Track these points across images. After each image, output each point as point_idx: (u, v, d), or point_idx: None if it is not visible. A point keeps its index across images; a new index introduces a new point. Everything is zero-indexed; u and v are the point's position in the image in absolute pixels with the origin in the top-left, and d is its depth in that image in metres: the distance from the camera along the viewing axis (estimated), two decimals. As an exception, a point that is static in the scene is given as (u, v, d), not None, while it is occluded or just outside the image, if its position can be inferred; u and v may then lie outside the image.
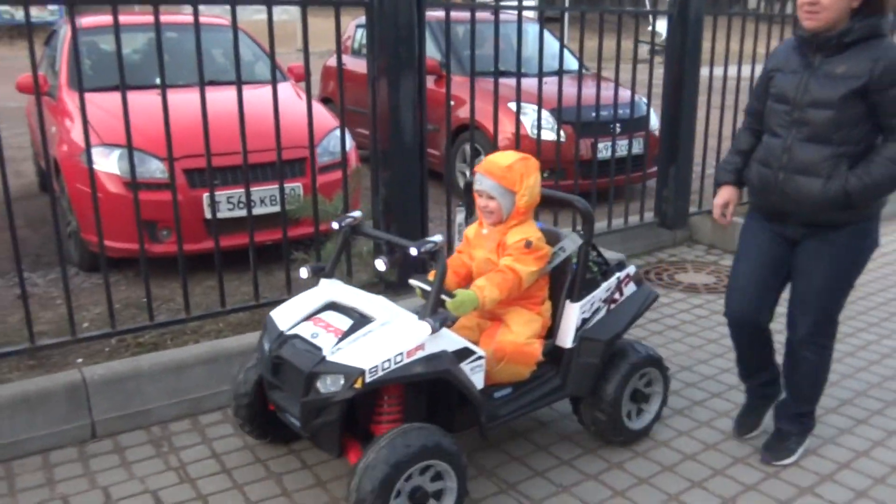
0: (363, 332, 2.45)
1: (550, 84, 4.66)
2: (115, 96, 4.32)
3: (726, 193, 2.97)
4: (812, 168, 2.61)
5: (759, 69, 3.41)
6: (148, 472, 2.87)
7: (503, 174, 2.71)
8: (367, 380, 2.32)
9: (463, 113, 6.05)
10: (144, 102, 4.19)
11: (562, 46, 4.66)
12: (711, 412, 3.30)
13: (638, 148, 6.12)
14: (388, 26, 3.65)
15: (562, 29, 6.43)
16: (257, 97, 4.22)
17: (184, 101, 4.05)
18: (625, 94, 5.49)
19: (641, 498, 2.76)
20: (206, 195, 4.34)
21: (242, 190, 4.37)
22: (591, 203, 4.91)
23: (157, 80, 3.28)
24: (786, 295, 2.90)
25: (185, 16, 5.68)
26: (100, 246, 3.38)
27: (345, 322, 2.53)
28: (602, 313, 2.90)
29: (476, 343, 2.68)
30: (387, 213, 3.85)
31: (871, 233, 2.74)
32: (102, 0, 3.28)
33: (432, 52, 6.41)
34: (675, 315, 4.34)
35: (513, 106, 5.45)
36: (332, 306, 2.65)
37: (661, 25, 6.39)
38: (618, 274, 2.97)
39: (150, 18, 4.38)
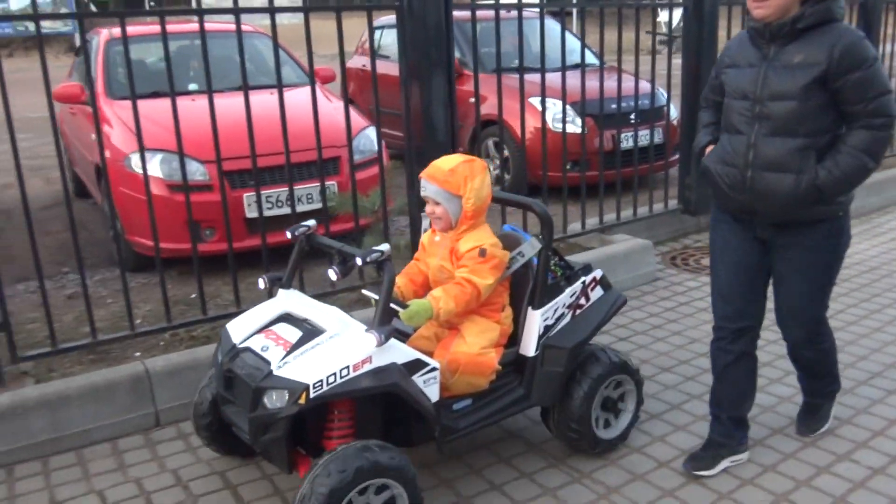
0: (311, 345, 2.37)
1: (568, 78, 4.81)
2: (152, 103, 4.55)
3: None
4: (781, 163, 2.49)
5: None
6: (213, 455, 3.03)
7: (446, 178, 2.62)
8: (312, 395, 2.25)
9: (484, 109, 6.20)
10: (181, 108, 4.36)
11: (583, 41, 4.80)
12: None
13: (659, 137, 6.26)
14: (418, 27, 3.81)
15: (582, 23, 6.58)
16: (288, 100, 4.39)
17: (219, 106, 4.23)
18: (644, 85, 5.62)
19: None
20: (246, 195, 4.53)
21: (281, 189, 4.57)
22: (616, 192, 5.08)
23: (190, 87, 3.48)
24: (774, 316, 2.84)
25: (211, 23, 5.85)
26: (155, 247, 3.56)
27: (294, 334, 2.45)
28: (566, 320, 2.80)
29: (432, 353, 2.62)
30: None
31: (845, 230, 2.67)
32: (110, 13, 3.47)
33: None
34: (704, 298, 4.48)
35: (534, 101, 5.62)
36: (286, 318, 2.57)
37: (672, 16, 6.50)
38: (583, 278, 2.87)
39: (181, 27, 4.56)
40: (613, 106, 5.18)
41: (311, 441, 2.52)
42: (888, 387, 3.42)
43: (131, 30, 5.74)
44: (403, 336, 2.76)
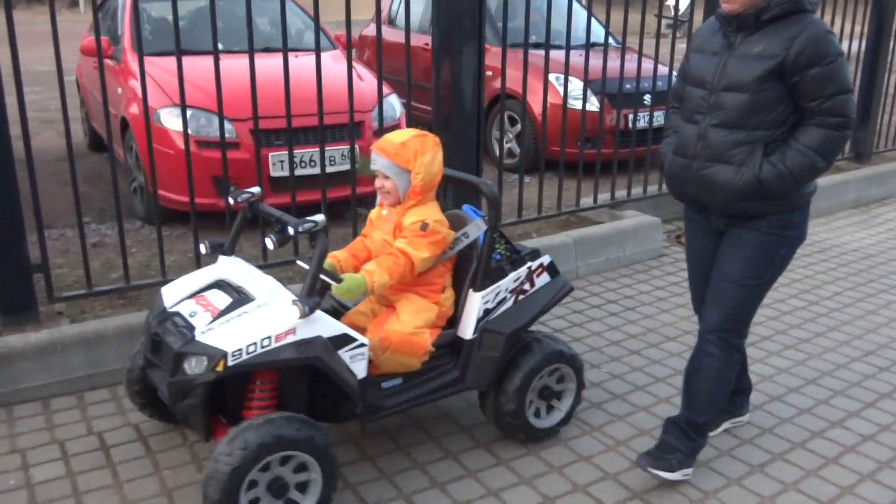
0: (237, 313, 2.34)
1: (582, 57, 4.90)
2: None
3: None
4: (725, 155, 2.43)
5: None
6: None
7: (396, 151, 2.58)
8: (230, 363, 2.22)
9: (497, 84, 6.31)
10: (207, 66, 4.45)
11: (607, 23, 4.92)
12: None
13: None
14: (453, -2, 3.89)
15: (589, 3, 6.64)
16: (310, 65, 4.49)
17: (240, 66, 4.32)
18: (659, 67, 5.76)
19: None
20: (272, 154, 4.64)
21: (304, 150, 4.69)
22: (628, 171, 5.22)
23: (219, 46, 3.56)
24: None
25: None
26: (191, 201, 3.71)
27: (224, 301, 2.42)
28: (508, 304, 2.75)
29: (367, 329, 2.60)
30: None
31: (796, 225, 2.53)
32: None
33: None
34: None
35: (552, 77, 5.73)
36: (219, 284, 2.55)
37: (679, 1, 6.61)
38: (529, 263, 2.81)
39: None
40: (629, 86, 5.31)
41: (233, 410, 2.49)
42: (882, 389, 3.48)
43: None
44: (343, 309, 2.79)
